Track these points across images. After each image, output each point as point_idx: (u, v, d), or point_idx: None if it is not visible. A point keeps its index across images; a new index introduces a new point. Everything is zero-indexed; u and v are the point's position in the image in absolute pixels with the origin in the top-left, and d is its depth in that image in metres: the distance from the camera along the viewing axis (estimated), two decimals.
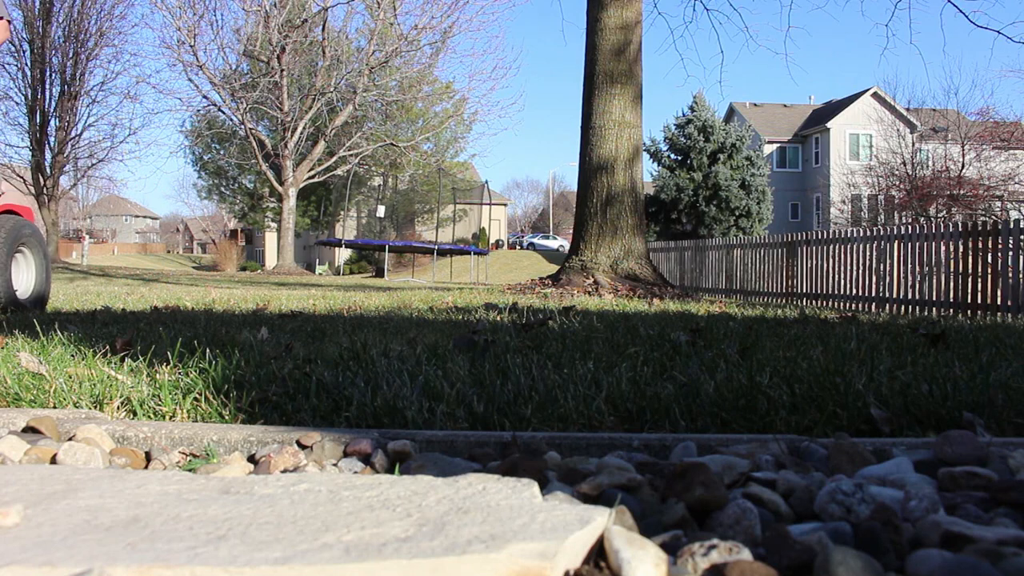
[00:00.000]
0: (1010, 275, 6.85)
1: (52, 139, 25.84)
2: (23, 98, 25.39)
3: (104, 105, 43.02)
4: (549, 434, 1.28)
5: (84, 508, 0.79)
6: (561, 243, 45.49)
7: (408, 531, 0.71)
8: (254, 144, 24.70)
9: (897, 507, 0.85)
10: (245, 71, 25.85)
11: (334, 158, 26.02)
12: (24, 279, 3.73)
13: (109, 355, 1.94)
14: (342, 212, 35.91)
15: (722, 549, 0.70)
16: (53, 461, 1.12)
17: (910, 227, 8.14)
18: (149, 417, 1.49)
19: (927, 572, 0.68)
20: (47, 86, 25.66)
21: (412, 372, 1.76)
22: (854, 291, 8.78)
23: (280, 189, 25.03)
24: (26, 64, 25.18)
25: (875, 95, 37.08)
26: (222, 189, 37.51)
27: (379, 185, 37.85)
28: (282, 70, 23.74)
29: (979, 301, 7.13)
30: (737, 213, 27.21)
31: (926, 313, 7.47)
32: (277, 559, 0.64)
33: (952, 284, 7.44)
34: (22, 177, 26.50)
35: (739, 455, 1.12)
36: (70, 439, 1.23)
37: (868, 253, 8.56)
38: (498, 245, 43.39)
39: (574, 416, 1.45)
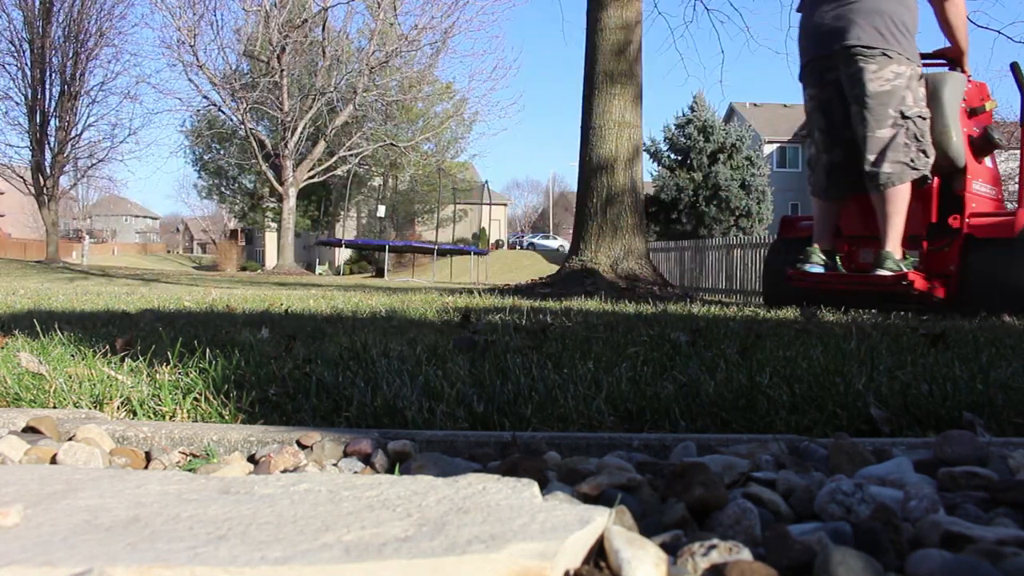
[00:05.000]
0: None
1: (52, 139, 25.81)
2: (23, 98, 25.37)
3: (104, 105, 43.24)
4: (549, 434, 1.28)
5: (84, 508, 0.79)
6: (561, 243, 45.49)
7: (408, 531, 0.71)
8: (254, 144, 24.70)
9: (897, 507, 0.85)
10: (245, 71, 25.86)
11: (334, 158, 26.02)
12: None
13: (109, 355, 1.94)
14: (342, 212, 35.94)
15: (722, 549, 0.70)
16: (53, 461, 1.12)
17: None
18: (149, 417, 1.49)
19: (927, 572, 0.68)
20: (47, 86, 25.66)
21: (412, 372, 1.76)
22: None
23: (280, 189, 25.04)
24: (26, 64, 25.16)
25: None
26: (222, 189, 37.58)
27: (379, 185, 37.88)
28: (282, 70, 23.74)
29: None
30: (737, 213, 27.21)
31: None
32: (277, 559, 0.64)
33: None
34: (22, 177, 26.48)
35: (739, 455, 1.12)
36: (70, 439, 1.23)
37: None
38: (498, 245, 43.40)
39: (574, 416, 1.45)
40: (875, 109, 3.79)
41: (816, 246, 3.98)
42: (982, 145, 4.28)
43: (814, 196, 4.07)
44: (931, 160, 3.94)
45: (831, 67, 3.89)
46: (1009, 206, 4.71)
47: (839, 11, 3.83)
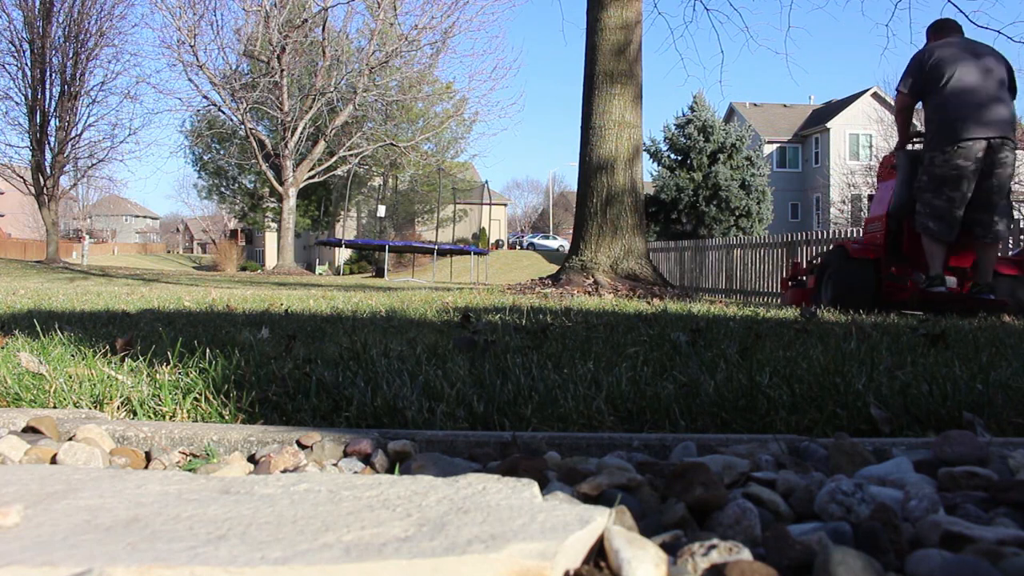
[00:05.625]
0: None
1: (52, 139, 25.81)
2: (23, 98, 25.37)
3: (104, 105, 43.24)
4: (549, 434, 1.28)
5: (84, 508, 0.79)
6: (561, 243, 45.50)
7: (408, 531, 0.71)
8: (254, 144, 24.70)
9: (897, 507, 0.85)
10: (245, 71, 25.86)
11: (334, 158, 26.03)
12: None
13: (109, 355, 1.94)
14: (342, 212, 35.98)
15: (722, 549, 0.70)
16: (53, 461, 1.12)
17: None
18: (149, 417, 1.49)
19: (927, 572, 0.68)
20: (47, 86, 25.65)
21: (412, 372, 1.76)
22: None
23: (280, 189, 25.04)
24: (26, 64, 25.16)
25: (875, 95, 37.05)
26: (222, 189, 37.63)
27: (379, 185, 37.90)
28: (282, 70, 23.74)
29: None
30: (737, 213, 27.21)
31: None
32: (277, 559, 0.64)
33: None
34: (22, 177, 26.48)
35: (739, 455, 1.12)
36: (70, 439, 1.23)
37: None
38: (498, 245, 43.40)
39: (574, 416, 1.45)
40: (1008, 185, 5.29)
41: (943, 274, 5.25)
42: None
43: (935, 239, 5.21)
44: None
45: (992, 149, 5.12)
46: None
47: (1004, 110, 5.19)
